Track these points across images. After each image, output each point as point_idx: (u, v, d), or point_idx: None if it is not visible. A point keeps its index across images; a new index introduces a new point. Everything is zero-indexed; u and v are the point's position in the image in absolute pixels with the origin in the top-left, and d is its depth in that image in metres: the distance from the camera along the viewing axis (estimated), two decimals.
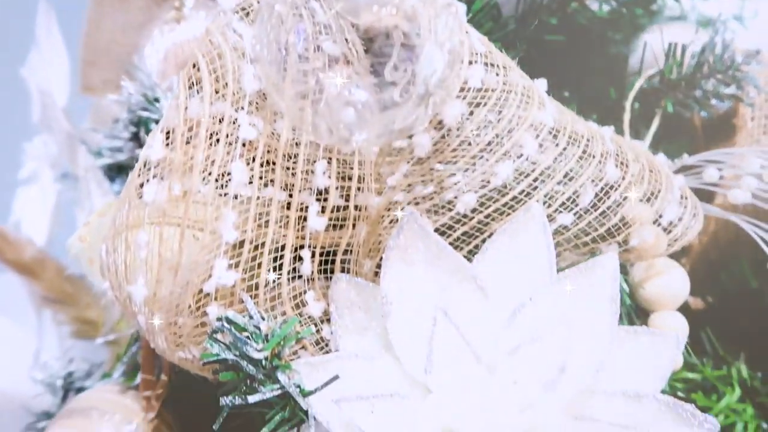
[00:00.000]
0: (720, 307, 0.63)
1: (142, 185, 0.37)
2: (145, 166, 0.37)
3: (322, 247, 0.43)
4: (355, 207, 0.43)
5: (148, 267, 0.37)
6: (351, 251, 0.44)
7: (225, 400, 0.37)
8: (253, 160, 0.37)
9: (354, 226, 0.43)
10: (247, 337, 0.37)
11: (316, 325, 0.43)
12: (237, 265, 0.38)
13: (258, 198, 0.38)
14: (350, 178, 0.42)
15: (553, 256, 0.40)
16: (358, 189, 0.42)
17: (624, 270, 0.51)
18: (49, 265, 0.67)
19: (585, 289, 0.39)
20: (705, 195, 0.56)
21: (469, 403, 0.38)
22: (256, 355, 0.37)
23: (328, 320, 0.43)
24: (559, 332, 0.37)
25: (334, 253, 0.44)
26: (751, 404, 0.49)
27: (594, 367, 0.38)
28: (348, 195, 0.42)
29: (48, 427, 0.50)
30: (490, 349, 0.39)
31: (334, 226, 0.43)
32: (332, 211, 0.42)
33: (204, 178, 0.36)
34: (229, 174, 0.36)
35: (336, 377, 0.38)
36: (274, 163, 0.39)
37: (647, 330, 0.40)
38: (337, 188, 0.42)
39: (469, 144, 0.41)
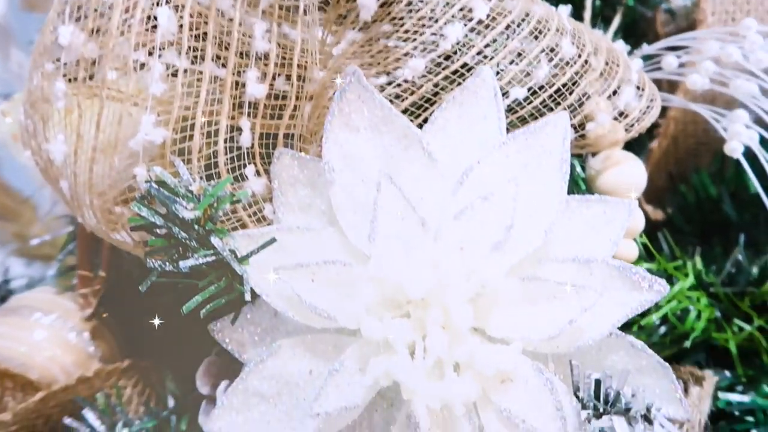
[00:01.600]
0: (678, 217, 0.63)
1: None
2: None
3: (263, 128, 0.41)
4: (298, 78, 0.40)
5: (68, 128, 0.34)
6: (293, 135, 0.42)
7: (152, 263, 0.35)
8: (183, 7, 0.34)
9: (297, 98, 0.41)
10: (177, 197, 0.34)
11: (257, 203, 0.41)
12: (167, 123, 0.35)
13: (189, 51, 0.35)
14: (292, 49, 0.40)
15: (503, 122, 0.38)
16: (301, 56, 0.39)
17: (581, 161, 0.49)
18: None
19: (534, 149, 0.37)
20: (666, 87, 0.55)
21: (414, 269, 0.36)
22: (187, 215, 0.34)
23: (270, 199, 0.41)
24: (507, 191, 0.35)
25: (275, 137, 0.42)
26: (704, 294, 0.49)
27: (543, 229, 0.36)
28: (290, 62, 0.40)
29: None
30: (436, 214, 0.37)
31: (273, 111, 0.40)
32: (273, 79, 0.39)
33: (126, 21, 0.33)
34: (155, 19, 0.33)
35: (274, 240, 0.36)
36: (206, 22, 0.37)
37: (599, 198, 0.39)
38: (277, 55, 0.39)
39: (418, 7, 0.39)
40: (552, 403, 0.36)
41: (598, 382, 0.36)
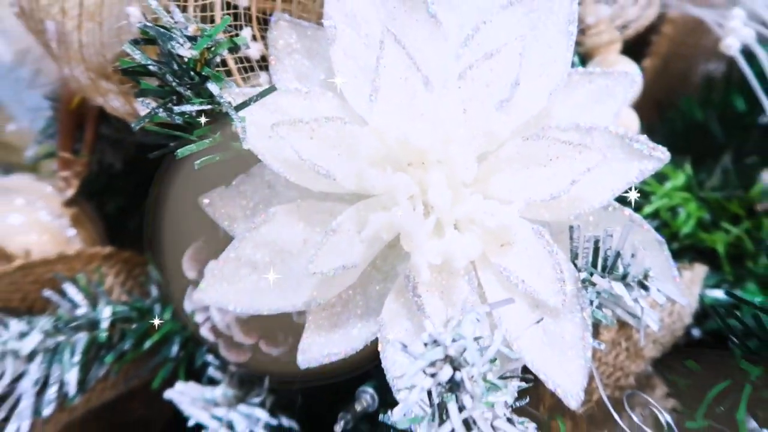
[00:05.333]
0: (667, 142, 0.63)
1: None
2: None
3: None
4: None
5: None
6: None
7: (145, 104, 0.33)
8: None
9: None
10: (174, 34, 0.33)
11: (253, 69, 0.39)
12: None
13: None
14: None
15: None
16: None
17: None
18: None
19: (542, 10, 0.36)
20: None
21: (417, 124, 0.35)
22: (184, 53, 0.33)
23: (266, 67, 0.40)
24: (513, 48, 0.35)
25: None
26: (694, 198, 0.49)
27: (548, 90, 0.36)
28: None
29: None
30: (441, 74, 0.36)
31: None
32: None
33: None
34: None
35: (273, 88, 0.35)
36: None
37: (602, 71, 0.38)
38: None
39: None
40: (551, 266, 0.35)
41: (596, 251, 0.36)
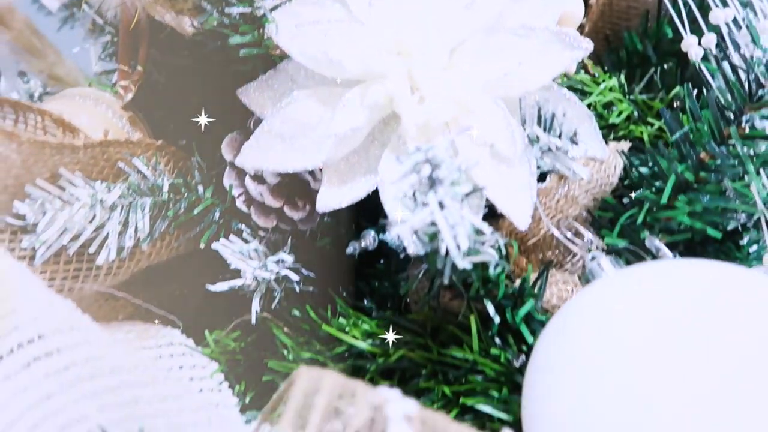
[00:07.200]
0: (613, 67, 0.76)
1: None
2: None
3: None
4: None
5: None
6: None
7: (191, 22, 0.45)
8: None
9: None
10: None
11: None
12: None
13: None
14: None
15: None
16: None
17: None
18: (18, 17, 0.72)
19: None
20: None
21: (403, 28, 0.47)
22: None
23: None
24: None
25: None
26: (625, 100, 0.61)
27: None
28: None
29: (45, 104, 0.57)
30: None
31: None
32: None
33: None
34: None
35: None
36: None
37: None
38: None
39: None
40: (506, 127, 0.48)
41: (539, 116, 0.48)
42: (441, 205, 0.38)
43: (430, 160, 0.38)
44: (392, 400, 0.30)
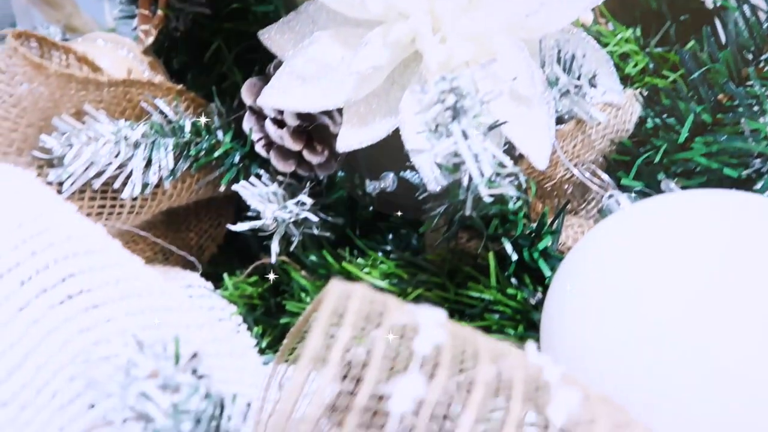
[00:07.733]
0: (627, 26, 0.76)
1: None
2: None
3: None
4: None
5: None
6: None
7: None
8: None
9: None
10: None
11: None
12: None
13: None
14: None
15: None
16: None
17: None
18: None
19: None
20: None
21: None
22: None
23: None
24: None
25: None
26: (641, 52, 0.62)
27: None
28: None
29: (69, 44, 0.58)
30: None
31: None
32: None
33: None
34: None
35: None
36: None
37: None
38: None
39: None
40: (526, 68, 0.48)
41: (559, 57, 0.49)
42: (465, 135, 0.39)
43: (454, 90, 0.39)
44: (422, 310, 0.31)
